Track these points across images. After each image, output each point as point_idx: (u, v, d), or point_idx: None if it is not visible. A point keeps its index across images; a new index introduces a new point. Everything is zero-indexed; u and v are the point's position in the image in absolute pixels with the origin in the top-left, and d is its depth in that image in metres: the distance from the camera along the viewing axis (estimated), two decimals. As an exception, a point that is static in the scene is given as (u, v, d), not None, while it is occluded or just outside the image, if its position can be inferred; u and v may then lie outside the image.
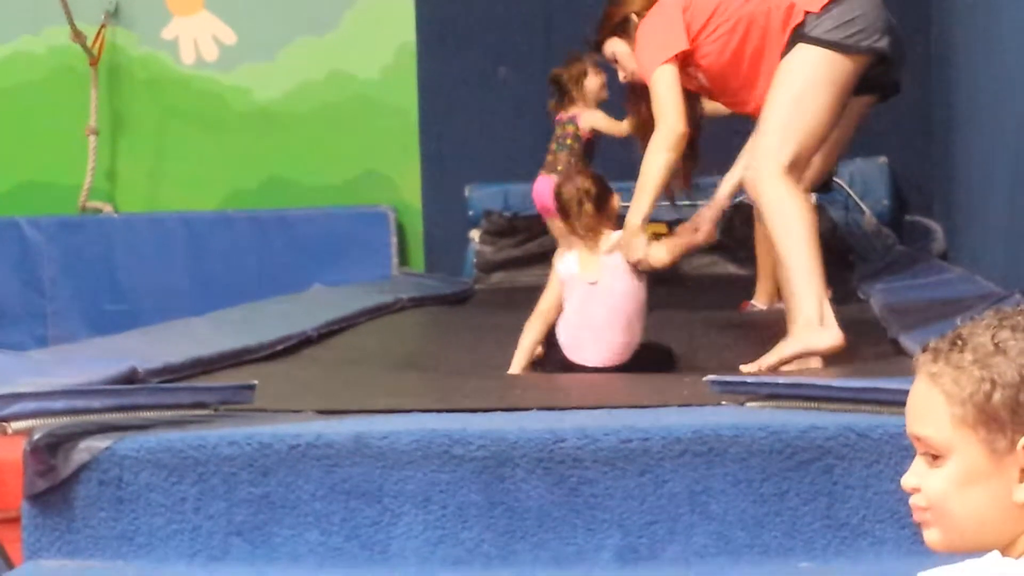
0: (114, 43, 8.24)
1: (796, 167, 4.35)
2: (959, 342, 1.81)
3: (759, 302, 6.29)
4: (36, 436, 3.08)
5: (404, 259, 8.12)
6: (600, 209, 4.74)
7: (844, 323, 4.54)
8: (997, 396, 1.78)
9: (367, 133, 8.18)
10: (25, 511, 3.11)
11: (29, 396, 3.26)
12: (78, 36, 8.01)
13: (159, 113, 8.28)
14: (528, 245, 7.86)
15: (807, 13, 4.39)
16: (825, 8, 4.38)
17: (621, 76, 4.98)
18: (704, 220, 4.92)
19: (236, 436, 3.12)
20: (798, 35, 4.39)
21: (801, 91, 4.34)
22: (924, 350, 1.84)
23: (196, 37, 8.26)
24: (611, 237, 4.71)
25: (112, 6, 8.21)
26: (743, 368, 4.18)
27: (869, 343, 4.73)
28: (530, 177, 7.88)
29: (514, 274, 7.76)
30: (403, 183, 8.18)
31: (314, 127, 8.20)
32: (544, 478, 3.01)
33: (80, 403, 3.27)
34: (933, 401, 1.81)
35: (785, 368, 4.21)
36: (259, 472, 3.10)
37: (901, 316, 4.86)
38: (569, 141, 6.36)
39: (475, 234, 7.93)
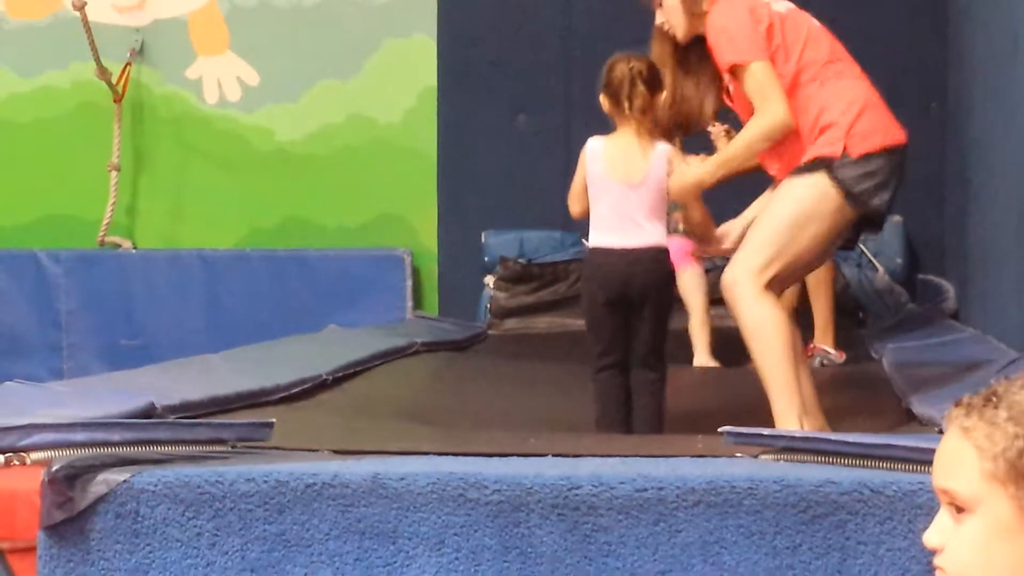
0: (138, 81, 8.31)
1: (774, 286, 4.36)
2: (994, 398, 1.83)
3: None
4: (54, 467, 3.09)
5: (419, 302, 8.14)
6: (653, 92, 4.58)
7: (856, 381, 4.55)
8: None
9: (386, 176, 8.22)
10: (41, 542, 3.11)
11: (49, 427, 3.28)
12: (103, 73, 8.07)
13: (181, 151, 8.33)
14: (542, 292, 7.89)
15: (845, 151, 4.33)
16: (864, 156, 4.34)
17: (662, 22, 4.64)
18: (734, 231, 4.74)
19: (253, 473, 3.13)
20: (826, 166, 4.34)
21: (804, 219, 4.33)
22: (957, 404, 1.86)
23: (220, 77, 8.32)
24: (659, 148, 4.59)
25: (138, 44, 8.28)
26: None
27: (880, 402, 4.75)
28: (546, 224, 7.94)
29: (528, 321, 7.79)
30: (420, 227, 8.21)
31: (334, 169, 8.25)
32: (558, 524, 3.02)
33: (99, 436, 3.29)
34: (964, 454, 1.83)
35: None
36: (275, 510, 3.11)
37: (914, 380, 4.86)
38: None
39: (490, 280, 7.96)
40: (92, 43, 7.95)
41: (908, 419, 4.39)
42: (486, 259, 8.04)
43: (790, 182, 4.39)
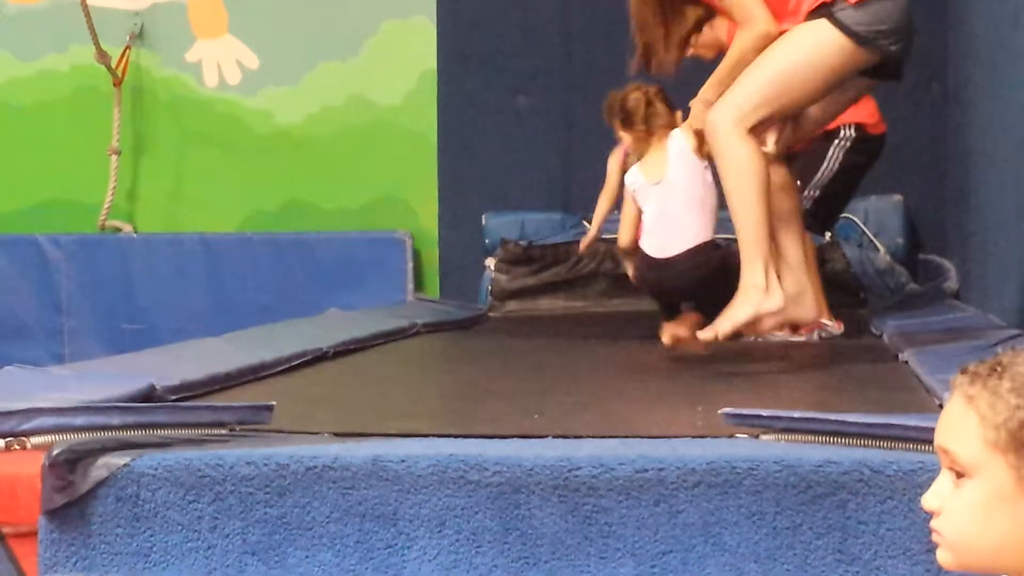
0: (138, 64, 8.31)
1: (760, 129, 4.29)
2: (999, 369, 1.86)
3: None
4: (55, 451, 3.10)
5: (419, 285, 8.15)
6: (671, 108, 5.06)
7: (856, 356, 4.53)
8: None
9: (386, 158, 8.23)
10: (42, 526, 3.12)
11: (49, 411, 3.29)
12: (103, 56, 8.07)
13: (181, 134, 8.34)
14: (543, 274, 7.89)
15: None
16: (861, 3, 4.27)
17: None
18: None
19: (253, 456, 3.14)
20: (825, 10, 4.26)
21: (800, 64, 4.25)
22: (963, 372, 1.90)
23: (219, 60, 8.32)
24: (673, 136, 4.93)
25: (137, 28, 8.28)
26: (700, 335, 4.27)
27: (882, 377, 4.75)
28: (547, 206, 7.94)
29: (529, 303, 7.79)
30: (421, 209, 8.22)
31: (334, 151, 8.25)
32: (559, 505, 3.03)
33: (99, 419, 3.30)
34: (967, 421, 1.86)
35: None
36: (275, 493, 3.11)
37: (915, 349, 4.87)
38: None
39: (491, 262, 7.96)
40: (91, 27, 7.95)
41: (910, 388, 4.38)
42: (487, 241, 8.05)
43: (795, 29, 4.30)
